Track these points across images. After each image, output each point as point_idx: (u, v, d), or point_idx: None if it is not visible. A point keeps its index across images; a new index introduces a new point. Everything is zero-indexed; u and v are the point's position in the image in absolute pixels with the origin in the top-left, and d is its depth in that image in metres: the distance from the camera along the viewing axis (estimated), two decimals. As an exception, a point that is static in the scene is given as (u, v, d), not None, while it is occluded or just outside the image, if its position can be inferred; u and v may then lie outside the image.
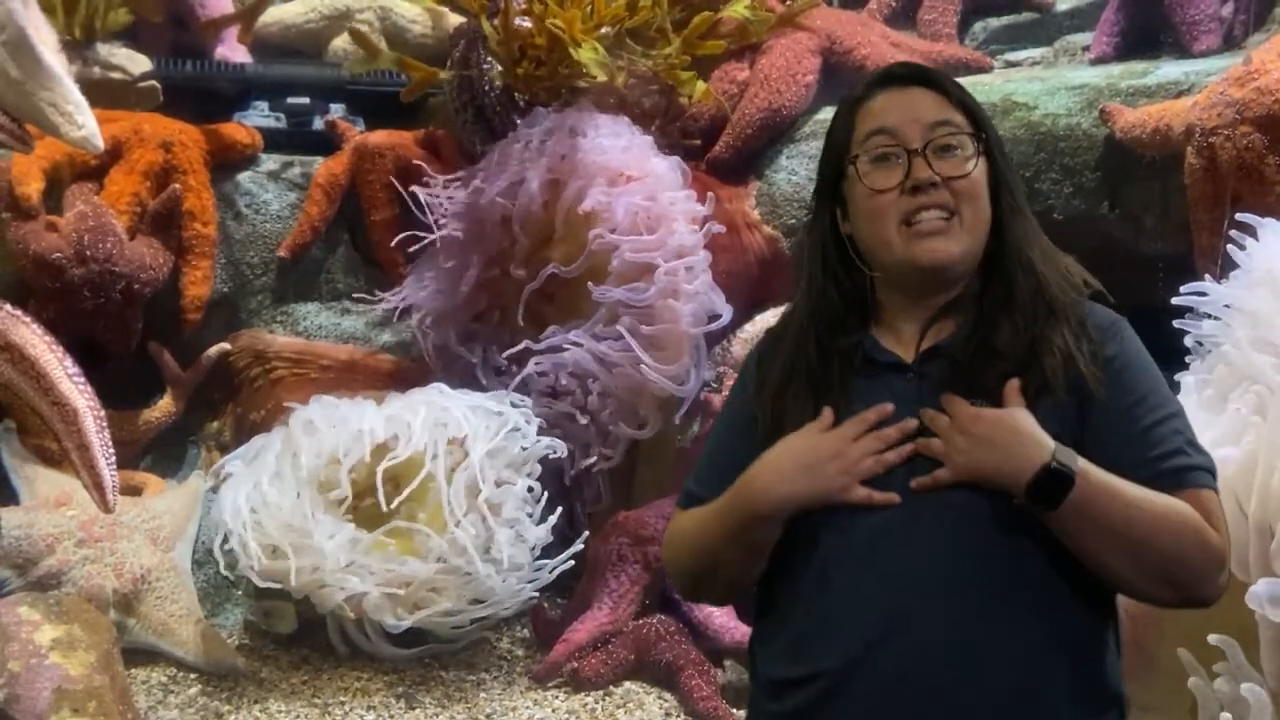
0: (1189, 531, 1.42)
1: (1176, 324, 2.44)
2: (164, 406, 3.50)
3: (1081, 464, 1.41)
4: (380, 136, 3.74)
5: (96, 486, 2.37)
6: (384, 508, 2.93)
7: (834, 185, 1.59)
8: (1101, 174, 3.37)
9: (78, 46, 3.51)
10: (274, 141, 3.81)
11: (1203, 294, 2.41)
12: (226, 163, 3.67)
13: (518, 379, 3.27)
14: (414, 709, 2.93)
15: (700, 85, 3.58)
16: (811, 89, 3.76)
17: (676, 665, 2.97)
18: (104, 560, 3.00)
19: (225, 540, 2.98)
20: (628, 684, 3.04)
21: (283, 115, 3.87)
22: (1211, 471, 1.48)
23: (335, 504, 3.00)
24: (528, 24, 3.39)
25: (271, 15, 4.11)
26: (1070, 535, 1.42)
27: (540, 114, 3.43)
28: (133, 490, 3.31)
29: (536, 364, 3.26)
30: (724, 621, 3.04)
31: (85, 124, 2.29)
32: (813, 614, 1.50)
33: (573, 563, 3.09)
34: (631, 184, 3.27)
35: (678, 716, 2.93)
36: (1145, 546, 1.41)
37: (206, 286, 3.52)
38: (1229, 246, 2.44)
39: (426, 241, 3.47)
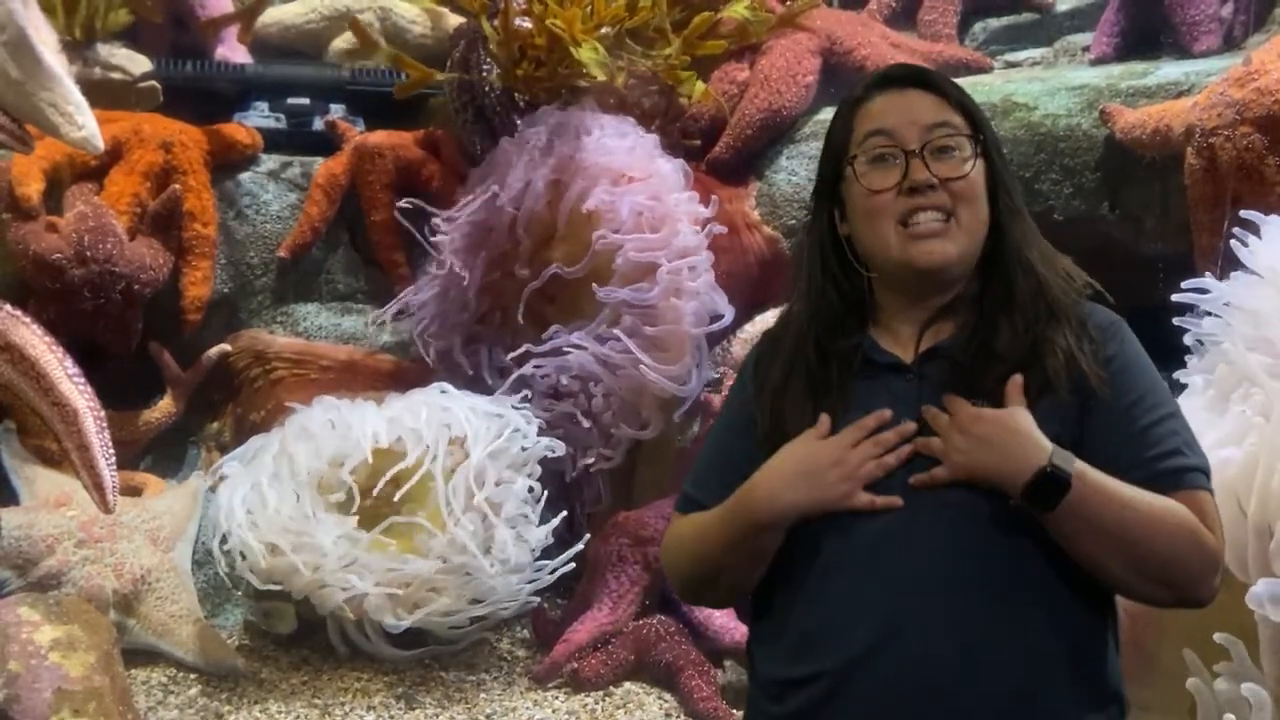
0: (1184, 533, 1.42)
1: (1177, 321, 2.44)
2: (164, 407, 3.50)
3: (1078, 466, 1.42)
4: (380, 137, 3.74)
5: (96, 487, 2.37)
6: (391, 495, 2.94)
7: (832, 186, 1.60)
8: (1101, 175, 3.37)
9: (78, 47, 3.51)
10: (274, 142, 3.81)
11: (1203, 291, 2.41)
12: (227, 163, 3.68)
13: (512, 379, 3.26)
14: (414, 709, 2.93)
15: (700, 86, 3.58)
16: (811, 89, 3.76)
17: (676, 666, 2.97)
18: (104, 561, 3.00)
19: (224, 540, 2.99)
20: (628, 684, 3.04)
21: (283, 116, 3.87)
22: (1207, 472, 1.49)
23: (336, 505, 3.00)
24: (528, 24, 3.39)
25: (271, 16, 4.11)
26: (1066, 536, 1.42)
27: (544, 113, 3.43)
28: (133, 491, 3.31)
29: (539, 366, 3.26)
30: (724, 622, 3.04)
31: (85, 124, 2.29)
32: (813, 615, 1.50)
33: (573, 564, 3.09)
34: (635, 184, 3.27)
35: (678, 717, 2.93)
36: (1141, 547, 1.41)
37: (206, 287, 3.52)
38: (1232, 244, 2.44)
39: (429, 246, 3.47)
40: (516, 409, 3.17)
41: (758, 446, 1.57)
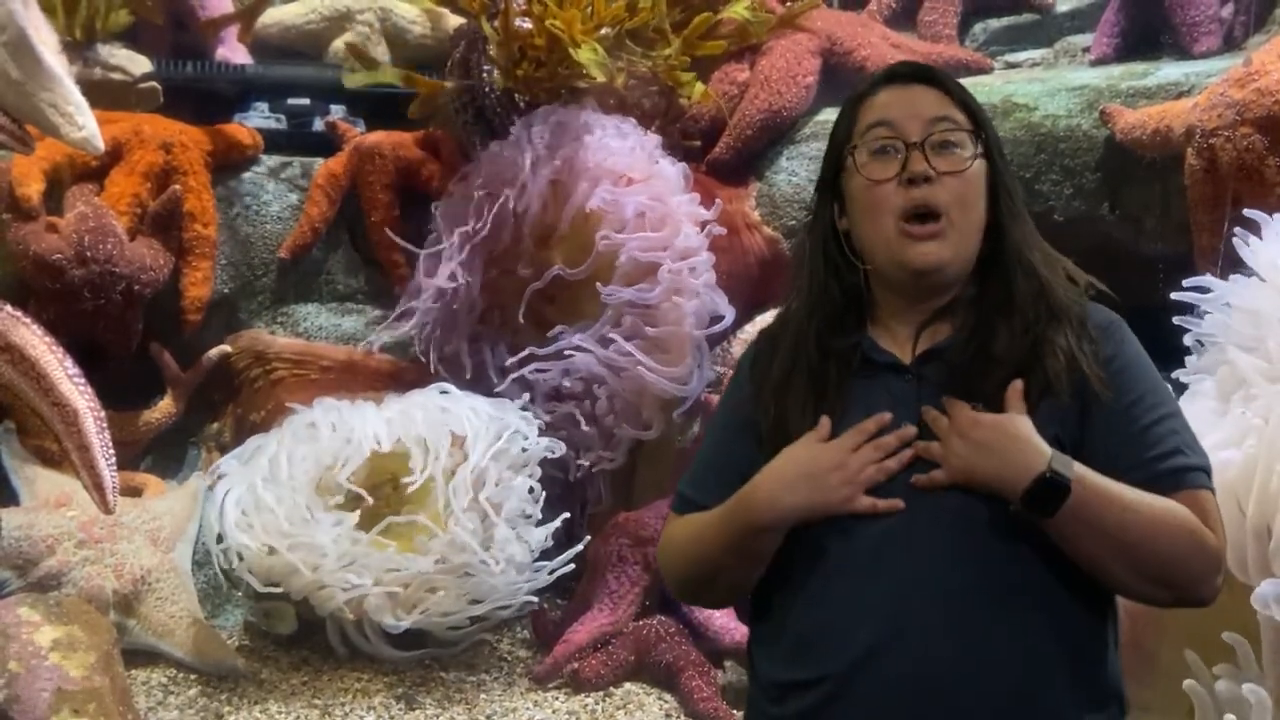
0: (1184, 534, 1.42)
1: (1177, 320, 2.44)
2: (164, 407, 3.50)
3: (1078, 470, 1.41)
4: (380, 137, 3.74)
5: (97, 487, 2.37)
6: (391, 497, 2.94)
7: (834, 179, 1.60)
8: (1102, 175, 3.37)
9: (78, 47, 3.51)
10: (274, 142, 3.82)
11: (1204, 291, 2.41)
12: (227, 164, 3.68)
13: (510, 379, 3.26)
14: (414, 710, 2.93)
15: (699, 86, 3.58)
16: (812, 90, 3.76)
17: (677, 666, 2.97)
18: (104, 561, 3.00)
19: (219, 539, 2.99)
20: (628, 685, 3.04)
21: (283, 116, 3.87)
22: (1208, 472, 1.49)
23: (335, 506, 3.00)
24: (528, 25, 3.39)
25: (271, 16, 4.11)
26: (1067, 540, 1.42)
27: (543, 112, 3.43)
28: (133, 491, 3.31)
29: (543, 370, 3.25)
30: (724, 623, 3.04)
31: (86, 125, 2.29)
32: (814, 618, 1.50)
33: (571, 565, 3.09)
34: (637, 184, 3.27)
35: (678, 717, 2.93)
36: (1142, 550, 1.41)
37: (207, 287, 3.53)
38: (1233, 241, 2.44)
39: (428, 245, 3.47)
40: (517, 410, 3.17)
41: (758, 447, 1.57)
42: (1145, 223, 3.34)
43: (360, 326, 3.72)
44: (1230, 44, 3.72)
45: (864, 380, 1.54)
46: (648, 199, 3.24)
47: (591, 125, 3.35)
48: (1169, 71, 3.47)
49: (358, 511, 2.98)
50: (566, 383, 3.24)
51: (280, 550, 2.89)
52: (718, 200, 3.35)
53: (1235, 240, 2.45)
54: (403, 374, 3.54)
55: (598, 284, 3.21)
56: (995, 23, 4.41)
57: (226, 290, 3.64)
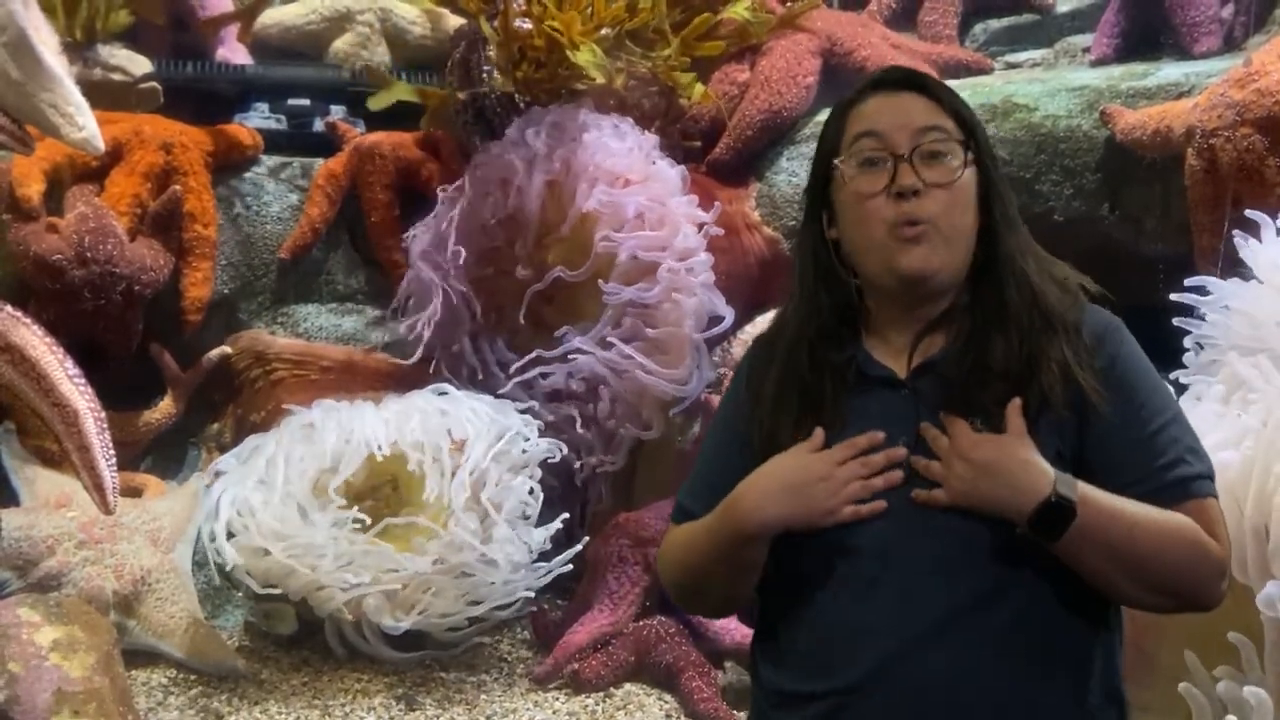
0: (1188, 545, 1.41)
1: (1177, 322, 2.44)
2: (164, 408, 3.50)
3: (1082, 491, 1.40)
4: (380, 137, 3.75)
5: (97, 488, 2.37)
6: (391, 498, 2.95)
7: (823, 188, 1.58)
8: (1102, 176, 3.37)
9: (78, 48, 3.52)
10: (274, 143, 3.82)
11: (1204, 292, 2.42)
12: (227, 164, 3.68)
13: (514, 383, 3.25)
14: (414, 710, 2.93)
15: (699, 87, 3.58)
16: (812, 90, 3.76)
17: (677, 667, 2.97)
18: (104, 562, 3.00)
19: (211, 538, 2.99)
20: (628, 685, 3.04)
21: (283, 117, 3.88)
22: (1211, 477, 1.47)
23: (333, 506, 2.99)
24: (527, 25, 3.39)
25: (271, 17, 4.11)
26: (1071, 558, 1.41)
27: (540, 113, 3.43)
28: (133, 492, 3.31)
29: (546, 372, 3.25)
30: (724, 623, 3.04)
31: (86, 125, 2.29)
32: (817, 633, 1.49)
33: (570, 566, 3.08)
34: (634, 185, 3.27)
35: (678, 718, 2.93)
36: (1147, 564, 1.41)
37: (207, 288, 3.53)
38: (1233, 242, 2.44)
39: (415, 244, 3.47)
40: (517, 412, 3.17)
41: (754, 463, 1.55)
42: (1145, 223, 3.34)
43: (360, 327, 3.72)
44: (1230, 44, 3.72)
45: (859, 395, 1.53)
46: (646, 200, 3.24)
47: (589, 126, 3.35)
48: (1169, 72, 3.47)
49: (354, 509, 2.98)
50: (571, 384, 3.23)
51: (275, 552, 2.89)
52: (717, 202, 3.35)
53: (1236, 241, 2.45)
54: (402, 374, 3.54)
55: (600, 281, 3.21)
56: (995, 23, 4.41)
57: (227, 291, 3.64)
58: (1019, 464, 1.42)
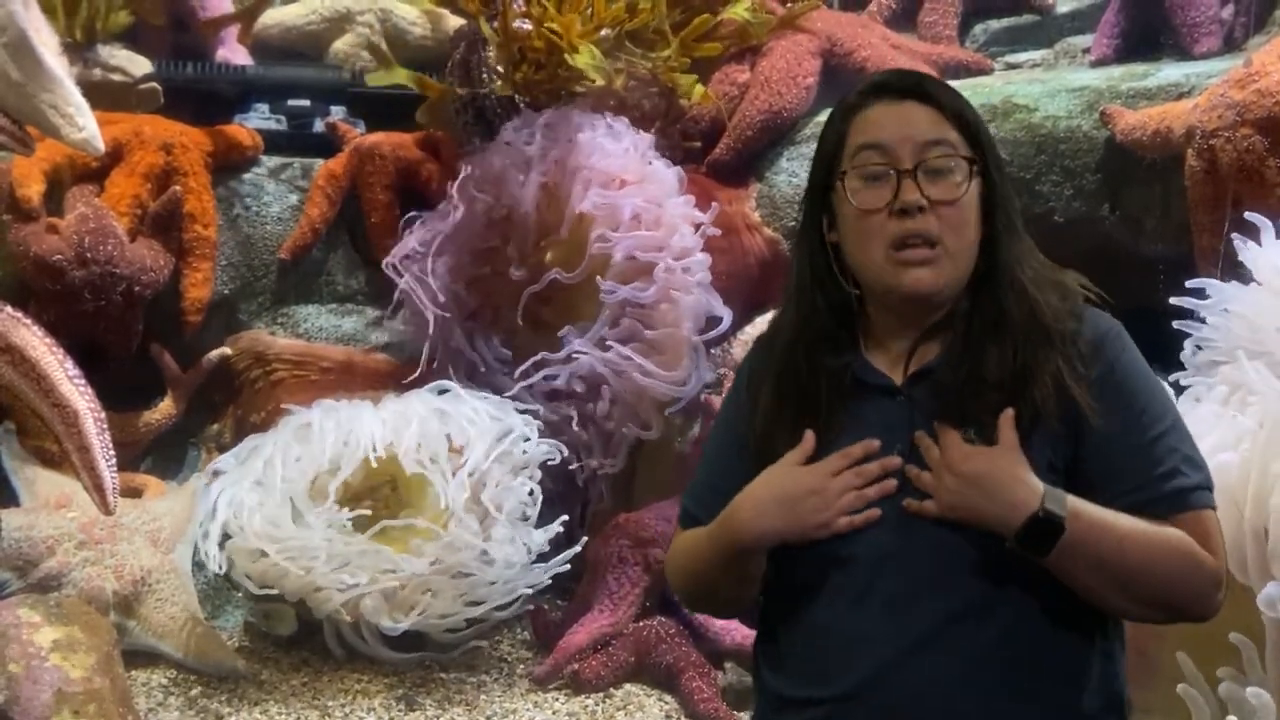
0: (1179, 558, 1.40)
1: (1177, 325, 2.44)
2: (164, 408, 3.50)
3: (1071, 505, 1.39)
4: (380, 138, 3.75)
5: (97, 488, 2.37)
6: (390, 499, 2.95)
7: (823, 192, 1.56)
8: (1102, 176, 3.37)
9: (78, 48, 3.51)
10: (274, 143, 3.82)
11: (1204, 295, 2.41)
12: (227, 165, 3.68)
13: (518, 387, 3.25)
14: (414, 711, 2.93)
15: (699, 88, 3.58)
16: (812, 91, 3.76)
17: (677, 667, 2.97)
18: (104, 562, 3.00)
19: (205, 537, 2.99)
20: (628, 686, 3.04)
21: (283, 117, 3.87)
22: (1209, 488, 1.46)
23: (329, 507, 2.99)
24: (527, 26, 3.39)
25: (272, 17, 4.11)
26: (1062, 573, 1.41)
27: (535, 114, 3.43)
28: (133, 492, 3.31)
29: (552, 376, 3.25)
30: (725, 624, 3.04)
31: (86, 126, 2.29)
32: (813, 640, 1.50)
33: (569, 566, 3.08)
34: (630, 186, 3.27)
35: (678, 718, 2.93)
36: (1137, 577, 1.40)
37: (207, 288, 3.53)
38: (1233, 243, 2.44)
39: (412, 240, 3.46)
40: (517, 412, 3.17)
41: (753, 470, 1.55)
42: (1145, 224, 3.34)
43: (360, 327, 3.72)
44: (1230, 45, 3.72)
45: (855, 403, 1.52)
46: (641, 201, 3.24)
47: (583, 127, 3.35)
48: (1169, 72, 3.47)
49: (350, 510, 2.98)
50: (571, 384, 3.23)
51: (270, 554, 2.89)
52: (714, 202, 3.34)
53: (1235, 244, 2.45)
54: (402, 374, 3.54)
55: (597, 278, 3.21)
56: (995, 24, 4.41)
57: (227, 291, 3.64)
58: (1008, 478, 1.41)
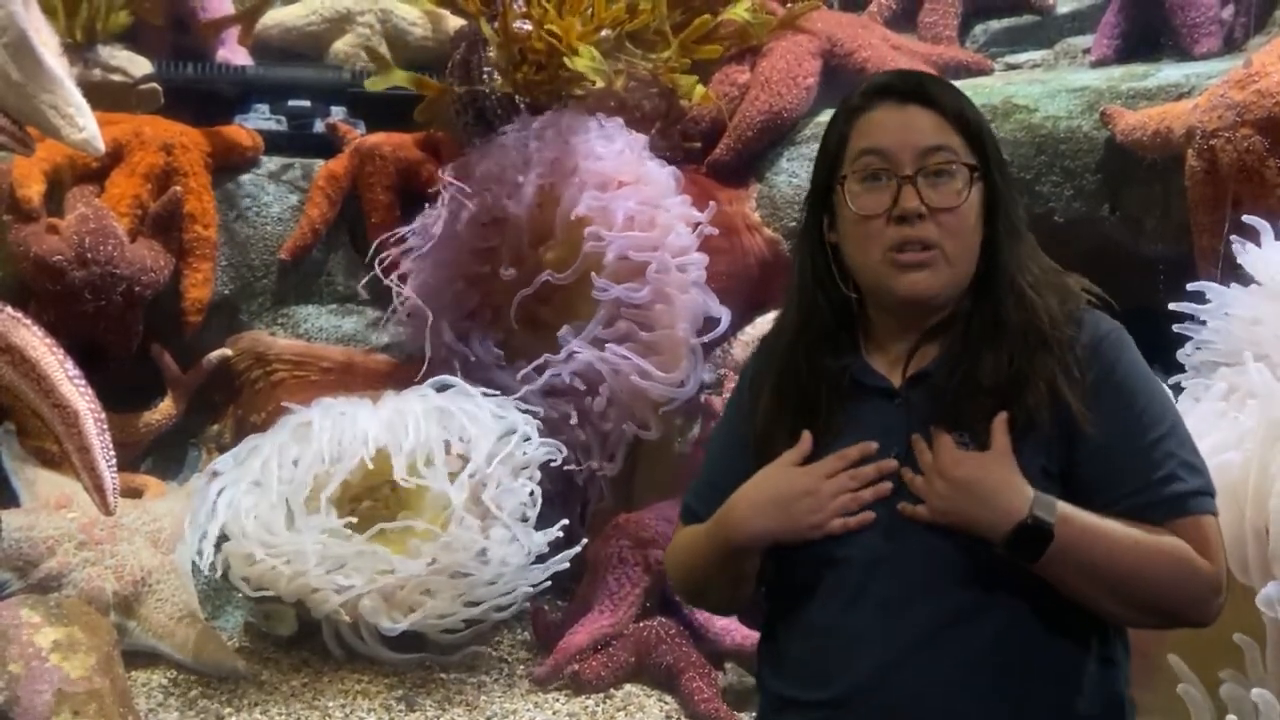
0: (1173, 563, 1.40)
1: (1177, 329, 2.44)
2: (164, 409, 3.50)
3: (1061, 511, 1.39)
4: (381, 139, 3.75)
5: (97, 489, 2.37)
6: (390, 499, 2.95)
7: (824, 193, 1.56)
8: (1102, 176, 3.37)
9: (79, 49, 3.52)
10: (275, 144, 3.82)
11: (1204, 297, 2.41)
12: (227, 165, 3.68)
13: (525, 389, 3.25)
14: (415, 712, 2.93)
15: (699, 88, 3.58)
16: (812, 91, 3.76)
17: (678, 668, 2.97)
18: (104, 562, 3.00)
19: (201, 538, 2.99)
20: (629, 686, 3.04)
21: (283, 118, 3.87)
22: (1208, 492, 1.45)
23: (330, 508, 2.99)
24: (527, 27, 3.39)
25: (272, 18, 4.11)
26: (1053, 578, 1.40)
27: (531, 117, 3.43)
28: (133, 493, 3.31)
29: (556, 375, 3.25)
30: (725, 624, 3.04)
31: (86, 126, 2.29)
32: (810, 642, 1.50)
33: (568, 565, 3.08)
34: (625, 188, 3.27)
35: (679, 719, 2.93)
36: (1131, 584, 1.40)
37: (207, 289, 3.53)
38: (1233, 249, 2.44)
39: (419, 238, 3.47)
40: (518, 410, 3.17)
41: (752, 469, 1.55)
42: (1145, 224, 3.34)
43: (361, 328, 3.72)
44: (1231, 45, 3.72)
45: (853, 404, 1.52)
46: (636, 203, 3.24)
47: (578, 129, 3.35)
48: (1169, 73, 3.47)
49: (350, 509, 2.98)
50: (568, 380, 3.23)
51: (264, 558, 2.89)
52: (712, 201, 3.34)
53: (1235, 247, 2.45)
54: (403, 374, 3.54)
55: (592, 274, 3.21)
56: (995, 24, 4.41)
57: (227, 292, 3.64)
58: (998, 484, 1.41)
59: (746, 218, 3.65)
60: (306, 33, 4.15)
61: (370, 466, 2.99)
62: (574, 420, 3.24)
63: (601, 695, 3.00)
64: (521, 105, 3.51)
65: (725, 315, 3.27)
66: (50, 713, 2.42)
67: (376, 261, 3.43)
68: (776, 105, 3.69)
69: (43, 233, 3.24)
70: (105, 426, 2.39)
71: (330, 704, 2.93)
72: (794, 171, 3.68)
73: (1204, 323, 2.44)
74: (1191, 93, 3.28)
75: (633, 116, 3.51)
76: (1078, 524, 1.39)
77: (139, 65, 3.68)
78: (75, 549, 2.99)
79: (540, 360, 3.26)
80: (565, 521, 3.10)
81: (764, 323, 3.35)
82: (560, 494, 3.30)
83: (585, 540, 3.15)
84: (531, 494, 3.09)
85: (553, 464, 3.16)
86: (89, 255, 3.23)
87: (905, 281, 1.47)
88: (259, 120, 3.84)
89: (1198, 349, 2.43)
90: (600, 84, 3.32)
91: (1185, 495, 1.43)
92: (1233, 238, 2.50)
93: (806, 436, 1.51)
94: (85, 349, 3.03)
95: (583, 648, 3.03)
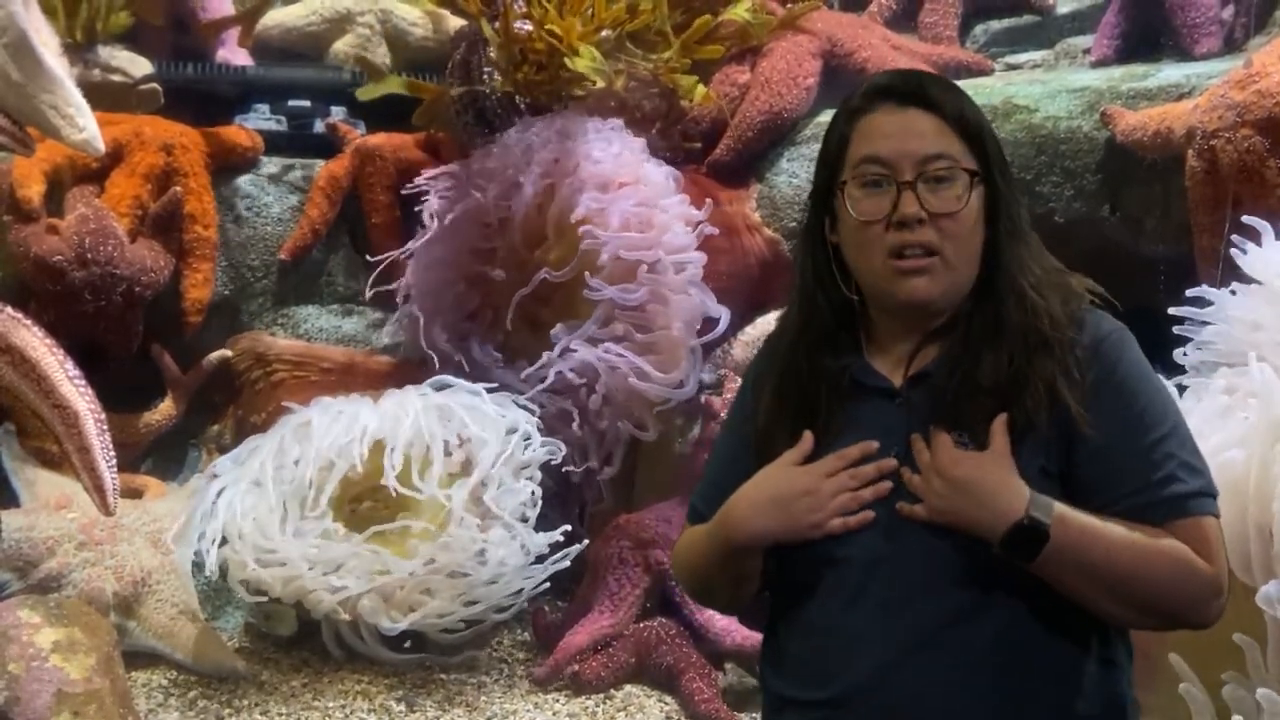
0: (1171, 564, 1.39)
1: (1177, 330, 2.44)
2: (165, 409, 3.50)
3: (1058, 512, 1.39)
4: (381, 139, 3.75)
5: (97, 489, 2.37)
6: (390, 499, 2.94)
7: (825, 194, 1.56)
8: (1102, 177, 3.37)
9: (79, 49, 3.51)
10: (275, 144, 3.82)
11: (1204, 303, 2.41)
12: (227, 165, 3.68)
13: (533, 391, 3.24)
14: (415, 712, 2.93)
15: (700, 89, 3.58)
16: (812, 92, 3.76)
17: (678, 668, 2.97)
18: (104, 563, 3.00)
19: (199, 538, 2.99)
20: (629, 687, 3.04)
21: (283, 118, 3.88)
22: (1209, 493, 1.44)
23: (329, 509, 2.99)
24: (528, 28, 3.39)
25: (272, 18, 4.11)
26: (1050, 579, 1.40)
27: (529, 120, 3.43)
28: (133, 493, 3.31)
29: (559, 372, 3.25)
30: (725, 625, 3.04)
31: (86, 127, 2.29)
32: (809, 642, 1.50)
33: (569, 563, 3.07)
34: (624, 189, 3.27)
35: (679, 719, 2.93)
36: (1129, 585, 1.39)
37: (207, 289, 3.53)
38: (1231, 251, 2.44)
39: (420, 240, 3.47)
40: (518, 408, 3.17)
41: (754, 469, 1.55)
42: (1146, 224, 3.34)
43: (361, 328, 3.72)
44: (1231, 46, 3.72)
45: (854, 404, 1.52)
46: (634, 205, 3.23)
47: (576, 131, 3.35)
48: (1169, 73, 3.46)
49: (350, 508, 2.98)
50: (566, 375, 3.22)
51: (252, 566, 2.89)
52: (709, 199, 3.34)
53: (1234, 250, 2.45)
54: (403, 375, 3.54)
55: (585, 274, 3.21)
56: (996, 24, 4.41)
57: (227, 292, 3.64)
58: (995, 483, 1.41)
59: (747, 218, 3.65)
60: (306, 33, 4.15)
61: (365, 459, 2.99)
62: (573, 417, 3.23)
63: (601, 696, 3.00)
64: (522, 105, 3.51)
65: (725, 315, 3.26)
66: (50, 713, 2.42)
67: (377, 263, 3.43)
68: (777, 105, 3.69)
69: (43, 233, 3.24)
70: (105, 427, 2.39)
71: (330, 704, 2.93)
72: (794, 172, 3.68)
73: (1205, 323, 2.44)
74: (1192, 93, 3.28)
75: (633, 117, 3.51)
76: (1075, 525, 1.39)
77: (139, 65, 3.68)
78: (75, 549, 2.99)
79: (542, 361, 3.26)
80: (568, 527, 3.09)
81: (764, 323, 3.35)
82: (559, 494, 3.29)
83: (586, 541, 3.15)
84: (532, 494, 3.09)
85: (552, 462, 3.16)
86: (89, 255, 3.23)
87: (905, 286, 1.47)
88: (259, 120, 3.84)
89: (1198, 349, 2.43)
90: (601, 84, 3.32)
91: (1185, 496, 1.42)
92: (1233, 238, 2.50)
93: (808, 436, 1.51)
94: (85, 349, 3.03)
95: (583, 648, 3.03)
